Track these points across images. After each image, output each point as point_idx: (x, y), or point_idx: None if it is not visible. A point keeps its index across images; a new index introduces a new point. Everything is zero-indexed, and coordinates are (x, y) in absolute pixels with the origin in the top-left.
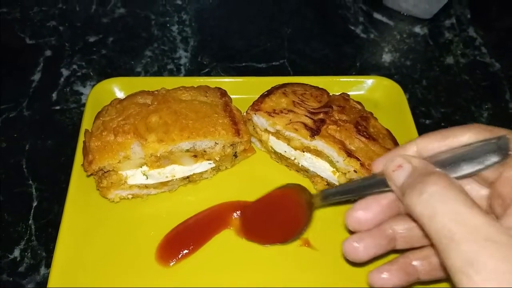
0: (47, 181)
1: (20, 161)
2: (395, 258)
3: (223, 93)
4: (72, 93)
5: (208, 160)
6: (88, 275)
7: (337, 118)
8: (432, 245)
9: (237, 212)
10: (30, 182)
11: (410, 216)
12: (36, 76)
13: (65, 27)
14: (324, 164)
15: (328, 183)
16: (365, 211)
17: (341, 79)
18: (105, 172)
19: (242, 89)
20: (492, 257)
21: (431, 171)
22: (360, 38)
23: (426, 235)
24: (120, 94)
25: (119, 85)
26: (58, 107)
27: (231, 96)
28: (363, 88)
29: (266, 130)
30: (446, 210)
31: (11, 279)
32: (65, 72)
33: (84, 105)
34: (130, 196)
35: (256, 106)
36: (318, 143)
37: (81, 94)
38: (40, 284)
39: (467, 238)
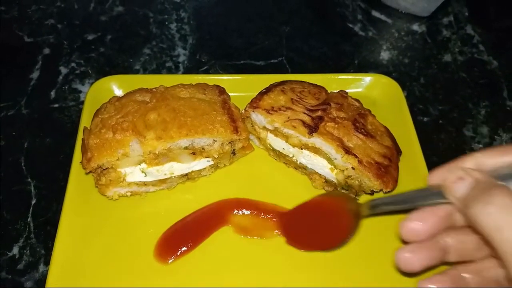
0: (45, 179)
1: (19, 159)
2: (446, 270)
3: (221, 91)
4: (70, 91)
5: (207, 157)
6: (87, 272)
7: (335, 115)
8: (493, 257)
9: (237, 209)
10: (29, 180)
11: (470, 227)
12: (35, 74)
13: (64, 25)
14: (322, 161)
15: (326, 180)
16: (422, 223)
17: (339, 77)
18: (103, 169)
19: (240, 86)
20: None
21: (494, 184)
22: (358, 36)
23: (486, 245)
24: (118, 92)
25: (117, 83)
26: (56, 105)
27: (230, 94)
28: (361, 85)
29: (264, 128)
30: None
31: (10, 276)
32: (63, 70)
33: (82, 103)
34: (128, 194)
35: (254, 103)
36: (316, 140)
37: (80, 92)
38: (39, 282)
39: None
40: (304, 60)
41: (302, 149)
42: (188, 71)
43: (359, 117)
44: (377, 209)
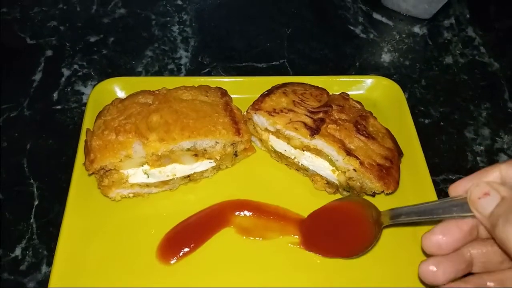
0: (48, 180)
1: (21, 161)
2: (469, 277)
3: (223, 93)
4: (73, 93)
5: (209, 159)
6: (89, 273)
7: (336, 117)
8: None
9: (239, 211)
10: (31, 181)
11: (494, 242)
12: (37, 76)
13: (66, 27)
14: (324, 163)
15: (328, 182)
16: (446, 236)
17: (340, 79)
18: (106, 171)
19: (242, 88)
20: None
21: None
22: (360, 38)
23: (508, 259)
24: (121, 94)
25: (120, 85)
26: (59, 107)
27: (232, 96)
28: (363, 87)
29: (266, 129)
30: None
31: (12, 277)
32: (66, 72)
33: (85, 104)
34: (131, 195)
35: (256, 105)
36: (318, 142)
37: (82, 94)
38: (41, 283)
39: None
40: (306, 62)
41: (303, 150)
42: (190, 73)
43: (361, 119)
44: (398, 219)
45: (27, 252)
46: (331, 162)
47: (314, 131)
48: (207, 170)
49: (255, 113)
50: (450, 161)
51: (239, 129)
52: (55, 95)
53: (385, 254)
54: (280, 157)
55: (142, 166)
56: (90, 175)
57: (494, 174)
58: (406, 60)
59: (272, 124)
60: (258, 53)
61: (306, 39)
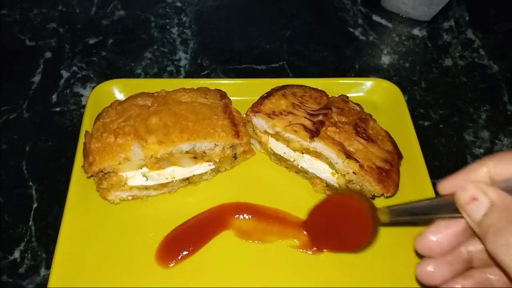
0: (47, 183)
1: (20, 163)
2: (470, 272)
3: (222, 95)
4: (72, 95)
5: (208, 161)
6: (88, 276)
7: (336, 119)
8: None
9: (238, 213)
10: (30, 183)
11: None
12: (36, 78)
13: (65, 29)
14: (323, 166)
15: (328, 185)
16: (436, 238)
17: (340, 81)
18: (105, 173)
19: (241, 91)
20: None
21: None
22: (359, 40)
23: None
24: (120, 96)
25: (119, 87)
26: (58, 109)
27: (231, 98)
28: (362, 90)
29: (265, 132)
30: None
31: (11, 280)
32: (65, 74)
33: (84, 106)
34: (130, 198)
35: (255, 108)
36: (317, 145)
37: (81, 95)
38: (40, 286)
39: None
40: (305, 64)
41: (303, 153)
42: (189, 75)
43: (360, 122)
44: (395, 217)
45: (26, 254)
46: (330, 164)
47: (314, 133)
48: (206, 172)
49: (255, 116)
50: (449, 163)
51: (238, 132)
52: (54, 97)
53: (384, 255)
54: (280, 159)
55: (141, 168)
56: (89, 177)
57: (482, 171)
58: (406, 62)
59: (271, 126)
60: (258, 55)
61: (306, 41)
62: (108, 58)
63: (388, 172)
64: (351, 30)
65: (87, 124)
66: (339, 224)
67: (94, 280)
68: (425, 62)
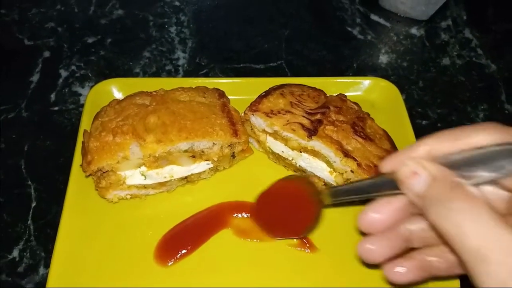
0: (45, 182)
1: (19, 162)
2: (411, 253)
3: (221, 94)
4: (70, 94)
5: (206, 160)
6: (87, 275)
7: (334, 118)
8: (456, 256)
9: (236, 212)
10: (29, 182)
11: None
12: (35, 77)
13: (64, 29)
14: (321, 164)
15: (326, 183)
16: (378, 214)
17: (338, 80)
18: (103, 172)
19: (240, 90)
20: None
21: (453, 183)
22: (357, 39)
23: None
24: (118, 95)
25: (117, 86)
26: (56, 108)
27: (229, 97)
28: (360, 89)
29: (263, 131)
30: (477, 230)
31: (10, 279)
32: (63, 73)
33: (82, 106)
34: (128, 197)
35: (254, 106)
36: (315, 144)
37: (80, 95)
38: (39, 284)
39: (500, 259)
40: (303, 63)
41: (301, 152)
42: (187, 74)
43: (358, 121)
44: (337, 197)
45: (25, 253)
46: (328, 163)
47: (312, 132)
48: (204, 171)
49: (253, 115)
50: None
51: (236, 131)
52: (53, 96)
53: None
54: (278, 158)
55: (140, 167)
56: (87, 176)
57: (422, 149)
58: (404, 62)
59: (269, 125)
60: (256, 54)
61: (304, 40)
62: (106, 57)
63: None
64: (349, 29)
65: (85, 123)
66: (283, 210)
67: (92, 278)
68: (423, 61)
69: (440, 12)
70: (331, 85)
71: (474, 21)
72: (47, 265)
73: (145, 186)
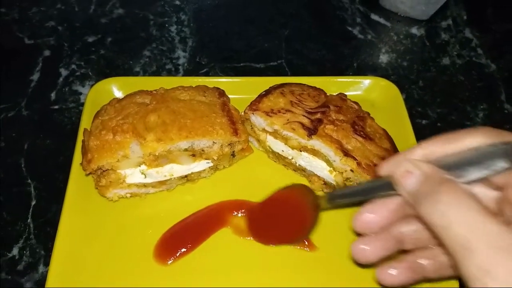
0: (45, 180)
1: (19, 161)
2: (403, 256)
3: (221, 93)
4: (71, 93)
5: (206, 159)
6: (87, 273)
7: (334, 118)
8: (445, 252)
9: (236, 211)
10: (29, 181)
11: (420, 220)
12: (35, 76)
13: (64, 27)
14: (321, 164)
15: (325, 183)
16: (373, 215)
17: (338, 79)
18: (103, 171)
19: (240, 89)
20: (508, 265)
21: (443, 179)
22: (357, 38)
23: (437, 239)
24: (118, 94)
25: (117, 85)
26: (56, 107)
27: (229, 96)
28: (360, 88)
29: (263, 130)
30: (462, 219)
31: (9, 277)
32: (63, 72)
33: (82, 104)
34: (128, 195)
35: (254, 105)
36: (315, 143)
37: (80, 93)
38: (38, 283)
39: (483, 247)
40: (304, 62)
41: (301, 151)
42: (188, 73)
43: (358, 120)
44: (334, 202)
45: (24, 252)
46: (328, 162)
47: (312, 131)
48: (204, 170)
49: (253, 114)
50: None
51: (236, 130)
52: (53, 95)
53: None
54: (278, 157)
55: (140, 166)
56: (87, 175)
57: (418, 152)
58: (404, 61)
59: (269, 124)
60: (256, 54)
61: (304, 39)
62: (106, 56)
63: None
64: (350, 28)
65: (85, 122)
66: (279, 218)
67: (92, 277)
68: (423, 61)
69: (440, 11)
70: (331, 84)
71: (474, 20)
72: (46, 263)
73: (145, 185)
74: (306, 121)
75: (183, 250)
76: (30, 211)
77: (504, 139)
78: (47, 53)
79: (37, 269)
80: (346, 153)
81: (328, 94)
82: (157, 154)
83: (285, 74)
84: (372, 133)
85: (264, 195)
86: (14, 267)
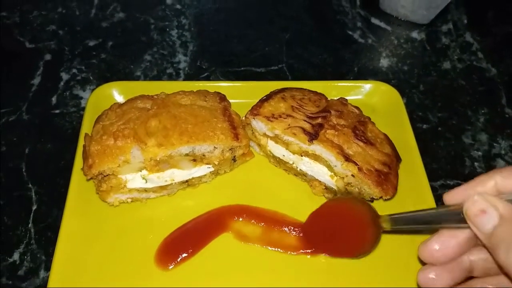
0: (46, 185)
1: (20, 165)
2: (472, 281)
3: (222, 98)
4: (71, 97)
5: (207, 164)
6: (87, 278)
7: (335, 122)
8: None
9: (237, 216)
10: (30, 186)
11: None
12: (36, 80)
13: (65, 31)
14: (322, 169)
15: (326, 187)
16: (441, 246)
17: (339, 84)
18: (104, 176)
19: (241, 93)
20: None
21: None
22: (358, 43)
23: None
24: (119, 98)
25: (118, 89)
26: (57, 111)
27: (230, 101)
28: (361, 92)
29: (264, 135)
30: None
31: (10, 282)
32: (64, 76)
33: (83, 109)
34: (129, 200)
35: (255, 110)
36: (316, 148)
37: (81, 98)
38: None
39: None
40: (304, 67)
41: (302, 156)
42: (188, 77)
43: (359, 125)
44: (397, 225)
45: (25, 257)
46: (329, 167)
47: (313, 136)
48: (205, 175)
49: (254, 118)
50: (448, 166)
51: (237, 134)
52: (54, 99)
53: (384, 260)
54: (279, 162)
55: (141, 171)
56: (88, 180)
57: (489, 184)
58: (404, 65)
59: (270, 129)
60: (257, 58)
61: (305, 44)
62: (107, 60)
63: (387, 175)
64: (350, 33)
65: (86, 127)
66: (339, 230)
67: (93, 282)
68: (424, 65)
69: (440, 16)
70: (332, 89)
71: (475, 25)
72: (47, 269)
73: (146, 190)
74: (307, 126)
75: (184, 255)
76: (31, 215)
77: None
78: (48, 57)
79: (38, 274)
80: (347, 158)
81: (329, 98)
82: (158, 159)
83: (286, 78)
84: (373, 138)
85: (265, 200)
86: (15, 272)
